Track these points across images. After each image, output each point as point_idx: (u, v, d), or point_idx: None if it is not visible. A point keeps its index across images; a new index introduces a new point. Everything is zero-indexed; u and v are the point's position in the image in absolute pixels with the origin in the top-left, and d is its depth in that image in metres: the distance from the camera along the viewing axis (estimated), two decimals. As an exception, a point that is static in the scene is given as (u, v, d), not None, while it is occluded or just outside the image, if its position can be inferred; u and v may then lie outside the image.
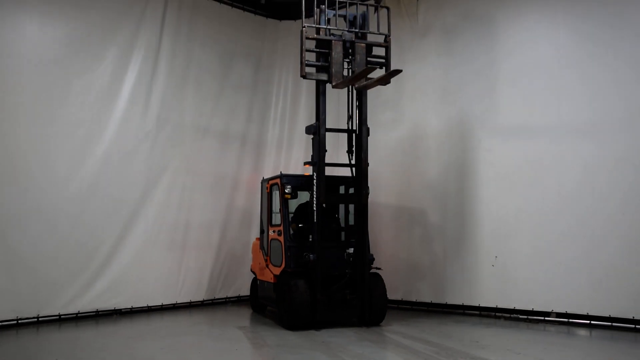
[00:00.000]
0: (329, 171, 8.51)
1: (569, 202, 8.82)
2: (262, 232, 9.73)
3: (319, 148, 8.18)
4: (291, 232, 8.83)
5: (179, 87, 10.34)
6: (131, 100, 9.61)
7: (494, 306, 9.46)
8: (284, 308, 8.43)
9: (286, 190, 8.66)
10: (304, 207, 9.21)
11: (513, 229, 9.30)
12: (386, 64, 8.27)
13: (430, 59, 10.39)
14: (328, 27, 8.09)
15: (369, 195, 8.59)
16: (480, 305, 9.60)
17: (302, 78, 8.03)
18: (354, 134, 8.38)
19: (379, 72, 8.52)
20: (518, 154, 9.32)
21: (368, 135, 8.53)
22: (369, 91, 8.36)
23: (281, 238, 8.80)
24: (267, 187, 9.53)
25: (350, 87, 8.15)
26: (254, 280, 10.17)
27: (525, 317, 9.10)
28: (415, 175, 10.45)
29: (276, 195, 9.22)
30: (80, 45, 9.05)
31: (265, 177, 10.09)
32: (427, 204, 10.26)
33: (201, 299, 10.75)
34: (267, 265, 9.32)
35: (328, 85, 8.43)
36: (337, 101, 10.26)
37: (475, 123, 9.82)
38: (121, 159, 9.55)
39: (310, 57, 8.28)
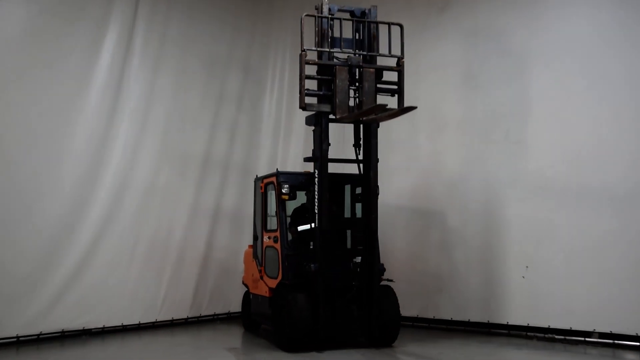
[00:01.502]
0: (333, 168, 8.48)
1: (613, 203, 8.76)
2: (255, 238, 9.69)
3: (320, 141, 8.12)
4: (289, 238, 8.85)
5: (155, 73, 10.36)
6: (103, 91, 9.63)
7: (525, 324, 9.39)
8: (281, 326, 8.41)
9: (283, 191, 8.64)
10: (304, 210, 9.14)
11: (546, 234, 9.27)
12: (399, 91, 8.23)
13: (450, 36, 10.41)
14: (332, 50, 8.04)
15: (379, 196, 8.56)
16: (509, 324, 9.53)
17: (302, 109, 8.01)
18: (361, 125, 8.36)
19: (388, 99, 8.42)
20: (552, 147, 9.29)
21: (378, 126, 8.46)
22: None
23: (277, 245, 8.78)
24: (261, 187, 9.49)
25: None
26: (246, 294, 10.18)
27: (562, 337, 9.07)
28: (432, 172, 10.44)
29: (272, 196, 9.21)
30: (44, 28, 9.04)
31: (258, 175, 10.04)
32: (446, 205, 10.24)
33: (185, 317, 10.74)
34: (261, 277, 9.30)
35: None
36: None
37: (501, 111, 9.78)
38: (90, 155, 9.53)
39: (311, 84, 8.24)
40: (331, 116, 8.29)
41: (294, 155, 11.62)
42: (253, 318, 9.82)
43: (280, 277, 8.64)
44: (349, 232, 9.16)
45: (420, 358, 7.96)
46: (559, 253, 9.13)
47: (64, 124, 9.26)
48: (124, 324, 9.88)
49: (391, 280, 8.82)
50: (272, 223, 9.23)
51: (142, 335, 9.75)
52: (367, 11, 8.46)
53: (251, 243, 10.02)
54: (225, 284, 11.22)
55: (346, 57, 8.14)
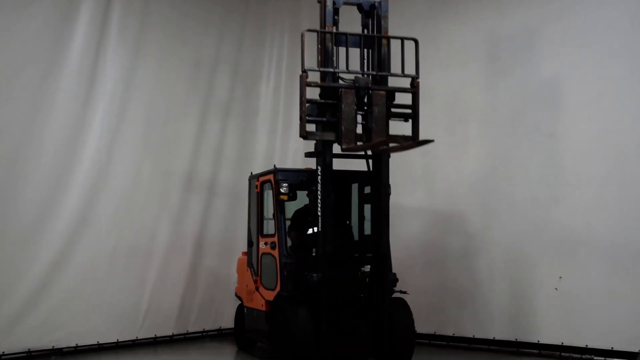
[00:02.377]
0: (338, 164, 8.43)
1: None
2: (250, 244, 9.69)
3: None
4: (289, 244, 8.83)
5: (135, 55, 10.35)
6: (74, 75, 9.62)
7: (559, 343, 9.29)
8: (279, 344, 8.42)
9: (282, 190, 8.63)
10: (305, 212, 9.15)
11: (583, 240, 9.17)
12: (414, 115, 8.18)
13: (472, 15, 10.33)
14: (337, 70, 8.00)
15: (390, 196, 8.53)
16: (540, 342, 9.42)
17: (302, 138, 7.92)
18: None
19: (401, 125, 8.39)
20: (590, 140, 9.20)
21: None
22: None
23: (275, 252, 8.76)
24: (256, 186, 9.48)
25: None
26: (240, 308, 10.19)
27: (603, 358, 8.95)
28: (451, 169, 10.43)
29: (269, 197, 9.22)
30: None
31: (253, 173, 9.98)
32: (468, 207, 10.22)
33: (170, 334, 10.72)
34: (256, 288, 9.29)
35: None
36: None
37: (531, 99, 9.71)
38: (61, 149, 9.52)
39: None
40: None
41: (293, 150, 11.58)
42: (247, 335, 9.81)
43: (278, 289, 8.64)
44: (356, 236, 9.23)
45: (439, 382, 7.88)
46: (598, 262, 9.06)
47: (28, 113, 9.23)
48: (100, 342, 9.83)
49: (404, 292, 8.77)
50: (269, 227, 9.22)
51: (121, 355, 9.73)
52: (376, 4, 8.40)
53: (245, 250, 10.00)
54: (216, 296, 11.21)
55: (353, 78, 8.06)
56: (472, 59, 10.30)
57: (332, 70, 7.99)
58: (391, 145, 7.87)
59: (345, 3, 8.26)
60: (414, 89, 8.19)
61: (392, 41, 8.21)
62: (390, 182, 8.43)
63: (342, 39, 8.09)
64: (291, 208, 9.24)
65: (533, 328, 9.41)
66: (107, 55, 9.97)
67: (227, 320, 11.01)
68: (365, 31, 8.39)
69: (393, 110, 8.20)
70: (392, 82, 8.31)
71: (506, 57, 9.97)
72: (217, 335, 11.18)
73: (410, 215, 10.50)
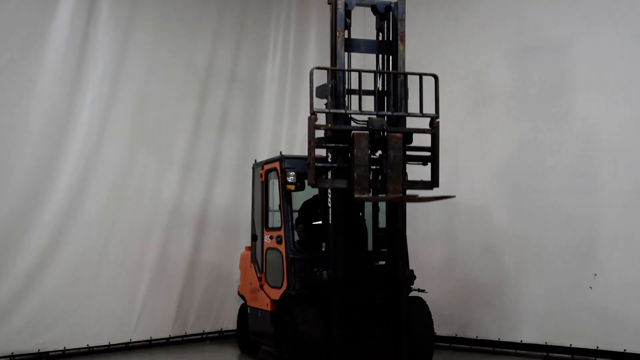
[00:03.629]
0: None
1: None
2: (254, 238, 9.69)
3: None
4: (296, 238, 8.85)
5: (127, 34, 10.35)
6: (61, 55, 9.59)
7: (594, 347, 9.24)
8: (286, 348, 8.40)
9: (289, 179, 8.63)
10: (314, 203, 9.21)
11: (621, 234, 9.08)
12: (433, 158, 8.14)
13: None
14: (349, 112, 8.01)
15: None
16: (572, 346, 9.38)
17: (311, 187, 7.89)
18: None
19: (419, 169, 8.39)
20: (629, 123, 9.09)
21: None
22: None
23: (282, 247, 8.77)
24: (261, 175, 9.51)
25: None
26: (243, 308, 10.21)
27: None
28: (474, 156, 10.41)
29: (274, 186, 9.25)
30: None
31: (258, 160, 9.99)
32: (492, 198, 10.19)
33: (167, 336, 10.74)
34: (261, 287, 9.31)
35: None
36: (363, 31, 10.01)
37: (565, 77, 9.62)
38: (47, 136, 9.50)
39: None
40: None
41: (301, 135, 11.40)
42: (251, 337, 9.80)
43: (284, 287, 8.64)
44: (370, 230, 9.20)
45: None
46: (637, 258, 8.96)
47: (12, 97, 9.21)
48: (90, 345, 9.84)
49: (423, 291, 8.85)
50: (275, 220, 9.23)
51: (113, 359, 9.73)
52: (392, 5, 8.38)
53: (249, 244, 10.03)
54: (217, 295, 11.23)
55: (366, 120, 8.02)
56: (498, 34, 10.27)
57: (343, 111, 8.00)
58: (408, 195, 8.00)
59: (358, 4, 8.26)
60: (433, 130, 8.13)
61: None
62: (407, 170, 8.36)
63: (356, 45, 8.25)
64: (299, 199, 9.25)
65: (565, 330, 9.37)
66: (98, 31, 9.96)
67: (229, 322, 11.07)
68: (380, 36, 8.39)
69: (410, 153, 8.17)
70: (410, 122, 8.35)
71: (536, 32, 9.89)
72: (218, 338, 11.19)
73: (429, 206, 9.95)
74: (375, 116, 8.03)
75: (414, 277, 8.58)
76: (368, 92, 8.16)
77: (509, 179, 10.01)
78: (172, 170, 10.77)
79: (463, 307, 10.25)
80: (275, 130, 11.84)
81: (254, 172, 9.87)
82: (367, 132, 7.89)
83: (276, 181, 9.03)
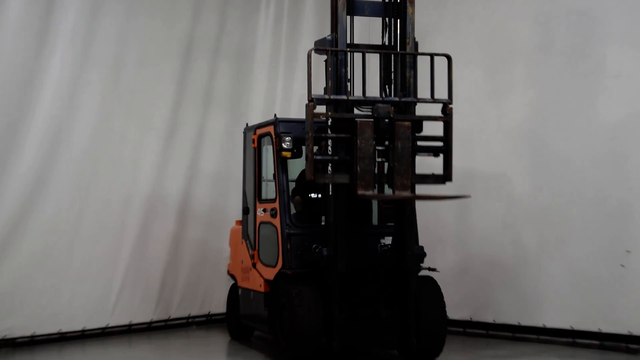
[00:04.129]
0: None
1: None
2: (245, 212, 9.68)
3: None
4: (293, 211, 8.81)
5: None
6: (26, 4, 9.54)
7: (625, 333, 9.17)
8: (281, 333, 8.45)
9: (284, 145, 8.65)
10: None
11: None
12: (445, 149, 8.18)
13: None
14: (352, 98, 7.99)
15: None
16: (602, 331, 9.31)
17: (309, 182, 7.88)
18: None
19: (430, 161, 8.42)
20: None
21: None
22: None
23: (277, 221, 8.74)
24: (253, 140, 9.49)
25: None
26: (233, 289, 10.26)
27: None
28: (492, 119, 10.40)
29: (268, 153, 9.25)
30: None
31: (250, 124, 9.94)
32: (512, 164, 10.20)
33: (148, 320, 10.76)
34: (253, 265, 9.32)
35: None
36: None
37: (595, 29, 9.55)
38: (10, 95, 9.47)
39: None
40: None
41: (299, 96, 11.55)
42: (243, 322, 9.84)
43: (279, 265, 8.65)
44: (375, 202, 9.28)
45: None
46: None
47: None
48: (62, 330, 9.81)
49: (434, 270, 8.84)
50: (269, 191, 9.24)
51: (88, 346, 9.73)
52: None
53: (240, 218, 10.03)
54: (204, 275, 11.29)
55: (371, 107, 8.03)
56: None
57: (345, 98, 7.98)
58: (418, 194, 8.07)
59: None
60: (446, 118, 8.15)
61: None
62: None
63: (359, 7, 8.20)
64: (296, 167, 9.23)
65: (593, 314, 9.35)
66: None
67: (218, 304, 11.12)
68: (386, 70, 8.26)
69: (420, 143, 8.22)
70: (419, 109, 8.37)
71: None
72: (205, 322, 11.26)
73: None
74: (381, 103, 8.01)
75: (424, 254, 8.62)
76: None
77: (530, 144, 9.99)
78: (153, 135, 10.75)
79: (479, 287, 10.28)
80: (269, 90, 11.85)
81: (245, 138, 9.83)
82: (372, 120, 7.90)
83: (270, 147, 9.02)
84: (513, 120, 10.19)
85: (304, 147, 8.51)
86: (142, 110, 10.61)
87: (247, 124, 9.98)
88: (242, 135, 10.01)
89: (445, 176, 8.08)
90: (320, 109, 7.92)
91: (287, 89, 11.88)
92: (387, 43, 8.53)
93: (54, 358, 9.04)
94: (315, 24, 11.87)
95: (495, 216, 10.24)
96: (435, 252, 9.57)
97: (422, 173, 8.06)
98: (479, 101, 10.38)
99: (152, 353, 9.40)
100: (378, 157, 8.07)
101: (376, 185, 8.07)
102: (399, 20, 8.40)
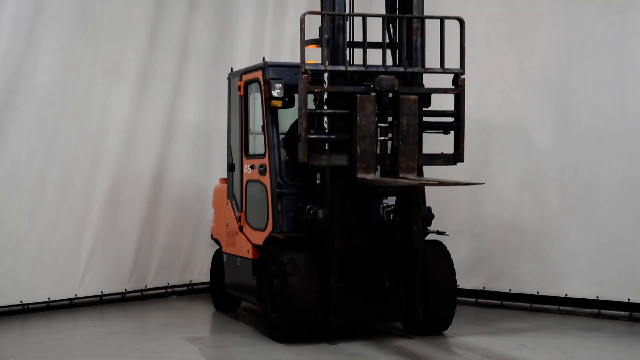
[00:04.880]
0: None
1: None
2: (231, 169, 9.74)
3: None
4: (283, 161, 8.85)
5: None
6: None
7: None
8: (271, 305, 8.50)
9: (275, 93, 8.67)
10: None
11: None
12: (457, 126, 8.25)
13: None
14: (351, 69, 8.05)
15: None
16: (631, 301, 9.41)
17: (303, 164, 7.99)
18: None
19: (440, 138, 8.53)
20: None
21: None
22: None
23: (266, 179, 8.79)
24: (239, 87, 9.50)
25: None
26: (218, 255, 10.33)
27: None
28: (510, 61, 10.39)
29: (256, 102, 9.26)
30: None
31: (235, 69, 9.92)
32: (532, 115, 10.21)
33: (122, 290, 10.83)
34: (240, 228, 9.37)
35: None
36: None
37: None
38: None
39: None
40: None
41: (290, 37, 11.58)
42: (228, 292, 9.91)
43: (270, 229, 8.67)
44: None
45: (490, 355, 7.93)
46: None
47: None
48: (25, 302, 9.83)
49: (443, 233, 8.90)
50: (258, 145, 9.27)
51: (54, 318, 9.77)
52: None
53: (224, 176, 10.07)
54: (184, 240, 11.37)
55: (373, 80, 8.08)
56: None
57: (344, 69, 7.96)
58: (426, 179, 8.21)
59: None
60: (457, 90, 8.18)
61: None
62: (425, 83, 8.45)
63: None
64: (287, 118, 9.26)
65: (621, 282, 9.38)
66: None
67: (200, 273, 11.22)
68: (390, 37, 8.33)
69: (428, 119, 8.28)
70: (427, 81, 8.41)
71: None
72: (186, 292, 11.33)
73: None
74: (384, 74, 8.00)
75: (432, 216, 8.65)
76: (374, 45, 8.10)
77: (554, 91, 9.97)
78: (124, 81, 10.69)
79: (493, 253, 10.34)
80: (257, 29, 11.81)
81: (230, 85, 9.82)
82: (374, 94, 7.91)
83: (258, 95, 9.00)
84: (535, 63, 10.13)
85: (296, 96, 8.47)
86: (110, 51, 10.54)
87: (231, 69, 9.94)
88: (226, 82, 9.95)
89: (457, 156, 8.15)
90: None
91: (276, 29, 11.85)
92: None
93: (15, 332, 9.03)
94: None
95: (512, 173, 10.27)
96: (444, 213, 9.66)
97: (430, 153, 8.16)
98: (495, 41, 10.39)
99: (127, 327, 9.40)
100: (380, 136, 8.13)
101: (378, 168, 8.07)
102: None
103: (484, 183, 8.16)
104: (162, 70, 11.08)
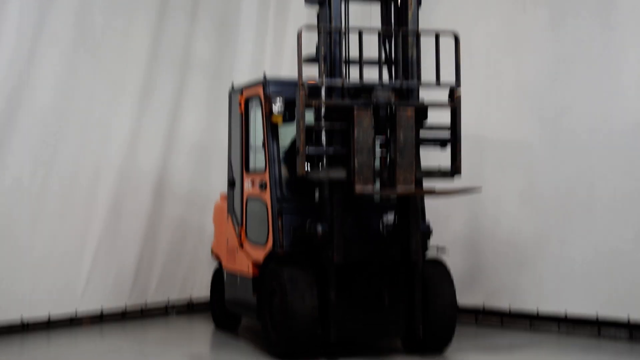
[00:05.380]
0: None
1: None
2: (231, 184, 9.73)
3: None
4: (284, 181, 8.83)
5: None
6: None
7: None
8: (271, 322, 8.49)
9: (275, 109, 8.70)
10: None
11: None
12: (453, 140, 8.31)
13: None
14: (348, 84, 8.18)
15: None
16: (631, 320, 9.28)
17: (301, 178, 8.13)
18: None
19: (436, 154, 8.61)
20: None
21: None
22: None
23: (266, 195, 8.77)
24: (240, 103, 9.50)
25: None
26: (218, 272, 10.32)
27: None
28: (508, 75, 10.35)
29: (257, 118, 9.25)
30: None
31: (236, 85, 9.87)
32: (531, 130, 10.17)
33: (122, 306, 10.80)
34: (241, 245, 9.35)
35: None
36: None
37: None
38: None
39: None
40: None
41: (290, 52, 11.58)
42: (228, 309, 9.89)
43: (270, 245, 8.65)
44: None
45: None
46: None
47: None
48: (24, 318, 9.81)
49: (442, 248, 8.89)
50: (258, 160, 9.22)
51: (54, 335, 9.74)
52: None
53: (225, 192, 10.06)
54: (185, 256, 11.37)
55: (369, 94, 8.14)
56: None
57: (341, 84, 8.06)
58: (425, 189, 8.30)
59: None
60: (453, 104, 8.22)
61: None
62: (421, 96, 8.47)
63: None
64: (288, 134, 9.17)
65: (621, 300, 9.30)
66: None
67: (200, 289, 11.17)
68: (386, 51, 8.40)
69: (425, 132, 8.32)
70: (425, 95, 8.50)
71: None
72: (187, 309, 11.33)
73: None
74: (380, 88, 8.07)
75: (431, 231, 8.65)
76: (370, 62, 8.14)
77: (553, 106, 9.91)
78: (125, 95, 10.69)
79: (493, 270, 10.30)
80: (257, 45, 11.84)
81: (231, 100, 9.80)
82: (371, 108, 7.96)
83: (259, 111, 9.01)
84: (533, 77, 10.12)
85: (296, 111, 8.41)
86: (113, 65, 10.54)
87: (232, 84, 9.91)
88: (226, 96, 9.93)
89: (454, 170, 8.21)
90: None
91: (277, 48, 11.89)
92: (386, 12, 8.56)
93: (15, 350, 9.00)
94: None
95: (511, 188, 10.21)
96: (443, 229, 9.63)
97: (427, 167, 8.29)
98: (495, 55, 10.37)
99: (127, 344, 9.39)
100: (378, 150, 8.19)
101: (376, 181, 8.12)
102: None
103: (480, 188, 8.19)
104: (163, 85, 11.10)
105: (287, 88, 8.74)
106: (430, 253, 8.70)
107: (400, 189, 7.99)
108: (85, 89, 10.29)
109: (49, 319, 9.87)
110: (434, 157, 8.50)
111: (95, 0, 10.40)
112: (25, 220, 9.74)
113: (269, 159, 8.69)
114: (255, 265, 8.85)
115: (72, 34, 10.17)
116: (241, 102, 9.35)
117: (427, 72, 8.31)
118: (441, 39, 8.16)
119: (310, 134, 8.23)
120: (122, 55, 10.65)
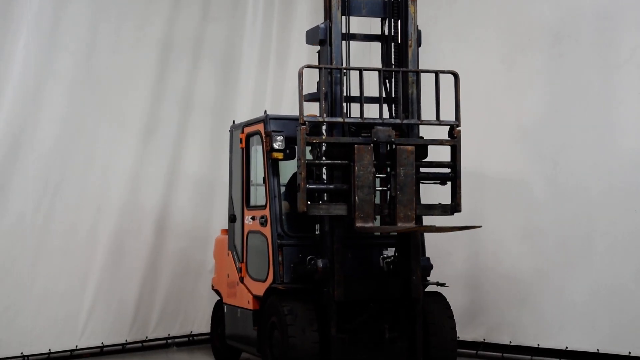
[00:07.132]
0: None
1: None
2: (232, 219, 9.72)
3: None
4: (284, 216, 8.83)
5: None
6: None
7: None
8: (272, 356, 8.47)
9: (276, 145, 8.68)
10: None
11: None
12: (453, 176, 8.31)
13: None
14: (348, 120, 8.17)
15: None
16: (632, 355, 9.18)
17: (302, 214, 7.96)
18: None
19: (436, 189, 8.57)
20: None
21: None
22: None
23: (267, 230, 8.77)
24: (241, 140, 9.51)
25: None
26: (218, 306, 10.29)
27: None
28: (508, 116, 10.36)
29: (258, 154, 9.26)
30: None
31: (237, 122, 9.93)
32: (531, 168, 10.18)
33: (122, 341, 10.76)
34: (241, 279, 9.36)
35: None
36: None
37: (625, 13, 9.50)
38: None
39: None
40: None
41: (291, 90, 11.54)
42: (229, 343, 9.85)
43: (270, 280, 8.65)
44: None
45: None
46: None
47: None
48: (25, 354, 9.75)
49: (443, 285, 8.90)
50: (259, 196, 9.24)
51: None
52: None
53: (225, 227, 10.06)
54: (185, 291, 11.33)
55: (370, 131, 8.14)
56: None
57: (341, 120, 8.06)
58: (425, 226, 8.25)
59: None
60: (453, 141, 8.23)
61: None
62: (422, 134, 8.49)
63: (356, 7, 8.29)
64: (288, 170, 9.22)
65: (622, 335, 9.27)
66: None
67: (201, 323, 11.16)
68: (387, 90, 8.43)
69: (424, 170, 8.34)
70: (425, 132, 8.52)
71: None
72: (187, 343, 11.28)
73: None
74: (380, 126, 8.07)
75: (431, 266, 8.65)
76: (372, 99, 8.22)
77: (552, 145, 9.92)
78: (128, 133, 10.71)
79: (493, 305, 10.28)
80: (258, 83, 11.83)
81: (232, 137, 9.82)
82: (371, 145, 7.96)
83: (260, 147, 9.00)
84: (533, 117, 10.12)
85: (297, 148, 8.43)
86: (115, 105, 10.57)
87: (233, 122, 9.95)
88: (228, 134, 9.96)
89: (454, 206, 8.19)
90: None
91: (277, 85, 11.91)
92: (386, 51, 8.56)
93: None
94: (310, 9, 11.92)
95: (511, 225, 10.21)
96: (444, 265, 9.60)
97: (427, 203, 8.24)
98: (494, 96, 10.38)
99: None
100: (378, 186, 8.20)
101: (377, 217, 8.09)
102: (400, 21, 8.43)
103: (480, 226, 8.15)
104: (166, 122, 11.12)
105: (288, 125, 8.74)
106: (431, 288, 8.69)
107: (401, 225, 7.88)
108: (89, 127, 10.34)
109: (49, 354, 9.84)
110: (435, 193, 8.42)
111: (100, 40, 10.46)
112: (27, 256, 9.72)
113: (270, 195, 8.68)
114: (256, 299, 8.84)
115: (76, 73, 10.22)
116: (242, 138, 9.38)
117: (428, 109, 8.25)
118: (441, 78, 8.09)
119: (311, 170, 8.18)
120: (125, 94, 10.69)
